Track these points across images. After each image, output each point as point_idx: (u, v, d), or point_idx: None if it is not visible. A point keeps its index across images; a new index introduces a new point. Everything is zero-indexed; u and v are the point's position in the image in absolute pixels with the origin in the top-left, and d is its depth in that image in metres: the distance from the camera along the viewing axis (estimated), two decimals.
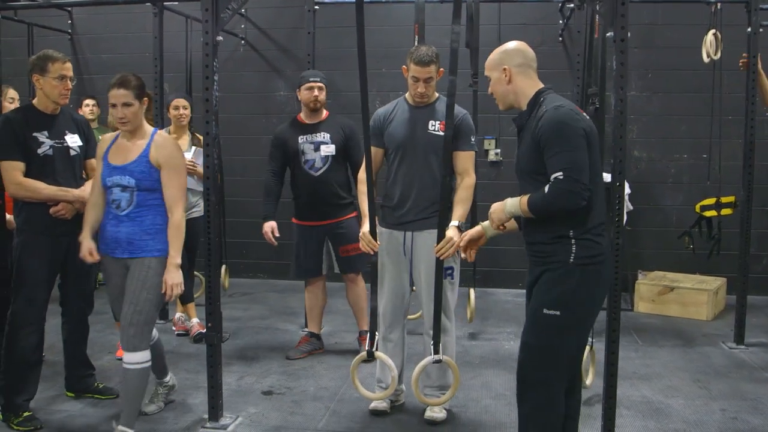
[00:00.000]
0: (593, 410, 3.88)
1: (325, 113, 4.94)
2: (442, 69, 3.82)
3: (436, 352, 3.57)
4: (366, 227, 3.72)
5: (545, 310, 2.80)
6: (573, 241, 2.77)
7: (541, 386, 2.85)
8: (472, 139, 3.89)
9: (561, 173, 2.67)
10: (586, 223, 2.78)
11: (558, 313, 2.78)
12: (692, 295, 6.07)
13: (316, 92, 4.81)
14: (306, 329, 5.25)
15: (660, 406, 4.12)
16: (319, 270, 5.00)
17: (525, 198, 2.82)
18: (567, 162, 2.68)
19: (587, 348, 3.87)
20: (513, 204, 2.87)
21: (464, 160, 3.85)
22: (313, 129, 4.87)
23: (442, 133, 3.73)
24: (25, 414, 3.78)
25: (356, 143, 4.86)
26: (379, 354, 3.69)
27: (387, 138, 3.93)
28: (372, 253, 3.72)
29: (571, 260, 2.77)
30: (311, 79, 4.84)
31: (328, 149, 4.82)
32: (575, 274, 2.78)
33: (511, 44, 2.99)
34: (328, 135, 4.84)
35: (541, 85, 2.93)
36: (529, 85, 2.92)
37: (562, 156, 2.69)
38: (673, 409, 4.06)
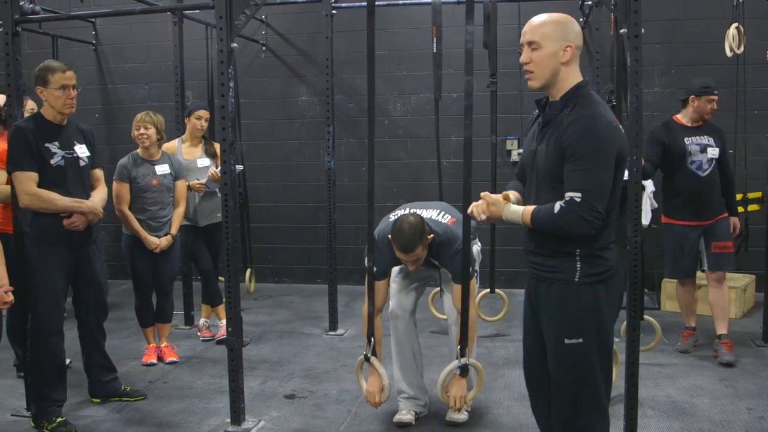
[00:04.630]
0: (616, 410, 3.83)
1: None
2: (431, 236, 3.62)
3: (462, 356, 3.51)
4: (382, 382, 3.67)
5: (567, 341, 2.57)
6: (578, 258, 2.55)
7: (592, 410, 2.64)
8: (472, 269, 3.61)
9: (579, 195, 2.42)
10: (595, 243, 2.55)
11: (581, 340, 2.56)
12: None
13: (711, 105, 4.88)
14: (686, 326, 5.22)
15: (685, 405, 4.07)
16: (695, 269, 5.06)
17: (529, 210, 2.57)
18: (589, 184, 2.43)
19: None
20: (513, 215, 2.61)
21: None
22: (697, 132, 4.95)
23: (442, 268, 3.84)
24: (59, 419, 3.82)
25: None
26: (373, 360, 3.69)
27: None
28: (377, 406, 3.70)
29: (576, 279, 2.55)
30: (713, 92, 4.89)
31: (714, 152, 4.90)
32: (582, 294, 2.56)
33: (574, 22, 2.61)
34: (712, 139, 4.91)
35: (581, 78, 2.60)
36: (574, 76, 2.58)
37: (586, 175, 2.43)
38: (699, 409, 4.01)
